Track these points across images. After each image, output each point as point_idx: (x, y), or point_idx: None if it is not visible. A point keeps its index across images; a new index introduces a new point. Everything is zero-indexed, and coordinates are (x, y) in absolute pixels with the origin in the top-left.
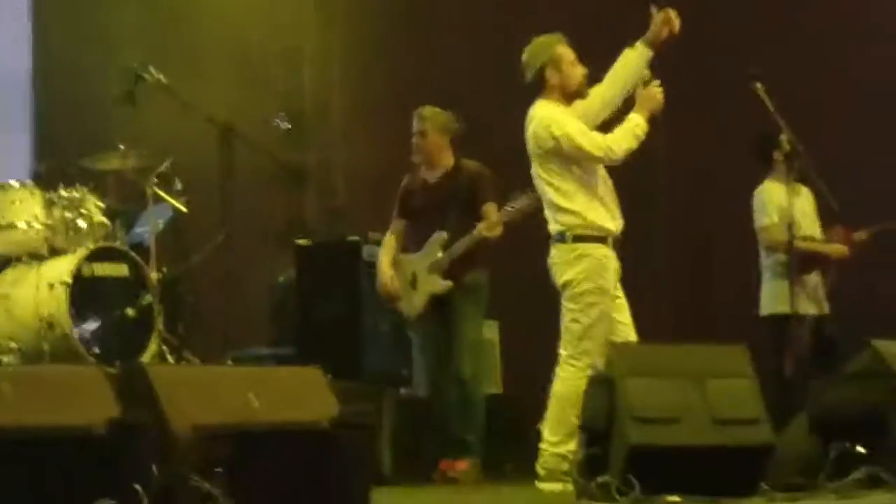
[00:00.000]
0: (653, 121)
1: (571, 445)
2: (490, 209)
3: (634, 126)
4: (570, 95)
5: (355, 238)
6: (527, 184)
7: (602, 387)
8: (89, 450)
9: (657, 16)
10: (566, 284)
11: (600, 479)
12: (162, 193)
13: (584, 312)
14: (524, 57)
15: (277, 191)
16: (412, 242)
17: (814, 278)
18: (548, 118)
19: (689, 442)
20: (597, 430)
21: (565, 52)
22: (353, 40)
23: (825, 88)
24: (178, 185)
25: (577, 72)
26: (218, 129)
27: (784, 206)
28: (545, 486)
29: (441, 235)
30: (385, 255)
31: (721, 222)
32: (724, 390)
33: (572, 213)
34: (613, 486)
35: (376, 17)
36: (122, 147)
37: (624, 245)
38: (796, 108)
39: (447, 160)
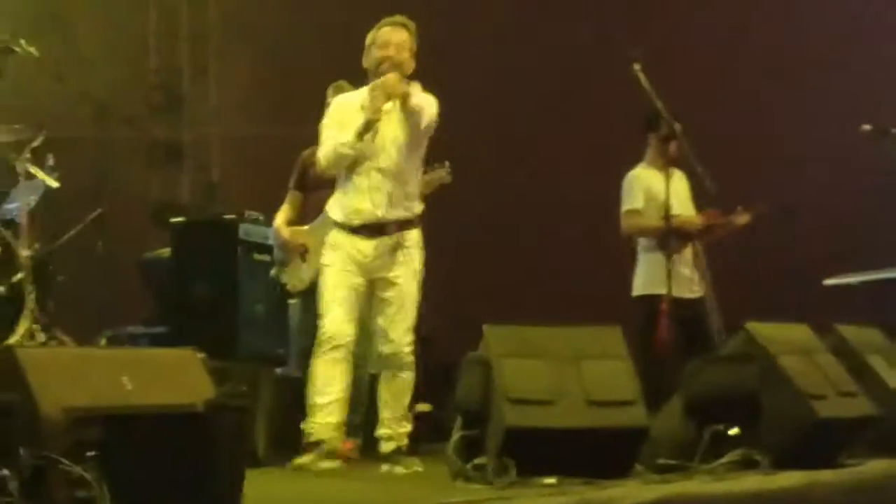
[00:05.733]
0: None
1: None
2: None
3: (340, 144)
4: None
5: (231, 216)
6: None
7: (478, 368)
8: None
9: None
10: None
11: (476, 461)
12: (34, 169)
13: None
14: None
15: (152, 167)
16: (305, 215)
17: (687, 259)
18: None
19: (564, 424)
20: (473, 411)
21: (375, 36)
22: (228, 17)
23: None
24: (51, 161)
25: (374, 55)
26: (92, 105)
27: (655, 189)
28: None
29: None
30: (280, 218)
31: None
32: (599, 372)
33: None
34: (489, 468)
35: None
36: None
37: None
38: (680, 90)
39: None
